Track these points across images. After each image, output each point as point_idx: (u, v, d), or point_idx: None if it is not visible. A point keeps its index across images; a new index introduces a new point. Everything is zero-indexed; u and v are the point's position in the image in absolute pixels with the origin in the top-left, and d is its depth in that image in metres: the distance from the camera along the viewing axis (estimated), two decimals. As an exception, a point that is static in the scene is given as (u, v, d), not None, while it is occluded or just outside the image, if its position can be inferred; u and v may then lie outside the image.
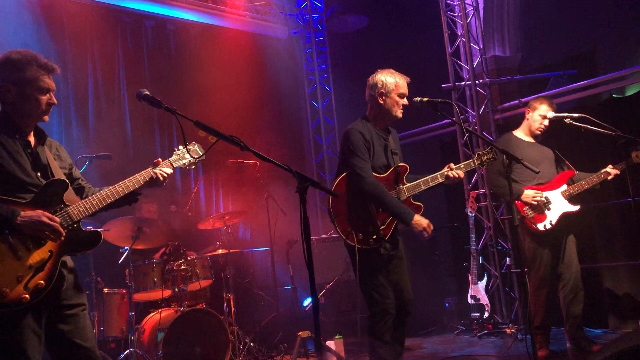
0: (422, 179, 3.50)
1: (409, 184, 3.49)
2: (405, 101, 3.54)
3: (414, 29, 7.37)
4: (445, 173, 3.48)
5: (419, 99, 3.41)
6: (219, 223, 5.39)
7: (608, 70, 6.04)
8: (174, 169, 2.85)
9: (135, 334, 4.54)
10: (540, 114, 4.39)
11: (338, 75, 8.08)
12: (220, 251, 5.36)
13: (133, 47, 6.44)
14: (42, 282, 2.38)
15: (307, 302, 6.06)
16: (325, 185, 2.79)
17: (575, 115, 4.07)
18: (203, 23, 6.98)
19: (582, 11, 6.89)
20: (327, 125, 8.05)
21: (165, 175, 2.79)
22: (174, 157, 2.90)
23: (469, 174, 6.45)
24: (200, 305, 4.81)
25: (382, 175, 3.47)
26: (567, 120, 4.10)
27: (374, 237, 3.39)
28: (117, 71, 6.27)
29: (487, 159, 3.58)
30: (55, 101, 2.59)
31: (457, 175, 3.48)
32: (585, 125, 4.03)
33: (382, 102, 3.53)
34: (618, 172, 4.29)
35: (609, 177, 4.29)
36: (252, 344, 5.20)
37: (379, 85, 3.53)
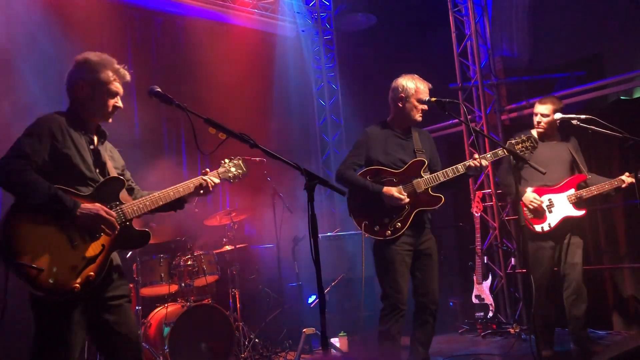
0: (442, 171, 3.54)
1: (426, 177, 3.54)
2: (424, 106, 3.59)
3: (422, 28, 7.37)
4: (468, 163, 3.49)
5: (427, 98, 3.45)
6: (225, 219, 5.42)
7: (616, 72, 6.03)
8: (220, 180, 2.95)
9: (142, 328, 4.59)
10: (535, 112, 4.41)
11: (345, 74, 8.08)
12: (226, 247, 5.39)
13: (142, 44, 6.47)
14: (92, 274, 2.45)
15: (312, 299, 6.09)
16: (332, 183, 2.82)
17: (583, 116, 4.06)
18: (212, 20, 7.01)
19: (591, 13, 6.88)
20: (333, 123, 8.06)
21: (214, 183, 2.87)
22: (221, 169, 3.00)
23: (475, 174, 6.46)
24: (206, 300, 4.84)
25: (398, 170, 3.56)
26: (574, 122, 4.08)
27: (390, 229, 3.44)
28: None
29: (522, 147, 3.52)
30: (121, 105, 2.71)
31: (479, 164, 3.45)
32: (592, 127, 4.01)
33: (401, 105, 3.61)
34: (633, 181, 4.14)
35: (623, 185, 4.20)
36: (256, 340, 5.24)
37: (400, 90, 3.61)
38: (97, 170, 2.62)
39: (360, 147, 3.66)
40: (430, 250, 3.60)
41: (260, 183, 5.77)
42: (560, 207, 4.25)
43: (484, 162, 3.50)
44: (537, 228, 4.24)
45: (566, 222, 4.24)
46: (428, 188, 3.52)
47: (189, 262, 4.86)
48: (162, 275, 4.79)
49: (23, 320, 2.57)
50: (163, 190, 2.74)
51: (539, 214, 4.23)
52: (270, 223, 5.63)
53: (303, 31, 7.97)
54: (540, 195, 4.27)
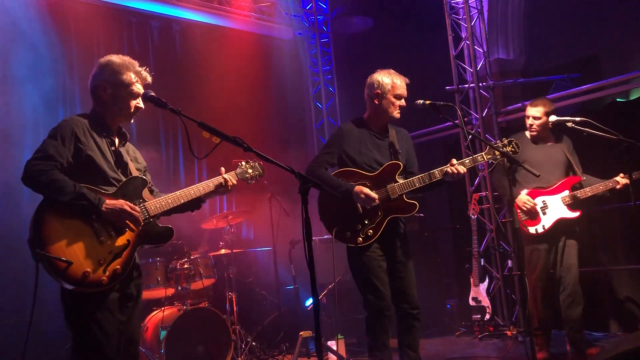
0: (418, 176, 3.38)
1: (401, 182, 3.38)
2: (402, 102, 3.48)
3: (419, 31, 7.38)
4: (445, 169, 3.33)
5: (421, 101, 3.36)
6: (222, 222, 5.42)
7: (612, 74, 6.04)
8: (238, 180, 3.01)
9: (138, 332, 4.57)
10: (526, 114, 4.41)
11: (342, 77, 8.10)
12: (223, 251, 5.39)
13: (139, 48, 6.47)
14: (119, 267, 2.54)
15: (309, 302, 6.09)
16: (326, 186, 2.81)
17: (578, 119, 4.07)
18: (208, 23, 7.02)
19: (587, 15, 6.89)
20: (330, 126, 8.07)
21: (232, 182, 2.93)
22: (238, 170, 3.06)
23: (472, 176, 6.47)
24: (203, 304, 4.84)
25: (371, 174, 3.42)
26: (569, 124, 4.09)
27: (362, 236, 3.35)
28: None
29: (511, 149, 3.40)
30: (143, 106, 2.78)
31: (456, 171, 3.30)
32: (588, 129, 4.02)
33: (377, 102, 3.49)
34: (628, 182, 4.16)
35: (618, 187, 4.20)
36: (254, 343, 5.23)
37: (375, 86, 3.49)
38: (120, 171, 2.71)
39: (333, 144, 3.50)
40: (405, 257, 3.45)
41: (256, 186, 5.77)
42: (555, 208, 4.24)
43: (462, 169, 3.33)
44: (532, 230, 4.24)
45: (560, 224, 4.23)
46: (403, 194, 3.37)
47: (186, 266, 4.85)
48: (159, 278, 4.78)
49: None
50: (184, 189, 2.82)
51: (533, 215, 4.23)
52: (267, 226, 5.63)
53: (300, 34, 7.99)
54: (535, 197, 4.27)
